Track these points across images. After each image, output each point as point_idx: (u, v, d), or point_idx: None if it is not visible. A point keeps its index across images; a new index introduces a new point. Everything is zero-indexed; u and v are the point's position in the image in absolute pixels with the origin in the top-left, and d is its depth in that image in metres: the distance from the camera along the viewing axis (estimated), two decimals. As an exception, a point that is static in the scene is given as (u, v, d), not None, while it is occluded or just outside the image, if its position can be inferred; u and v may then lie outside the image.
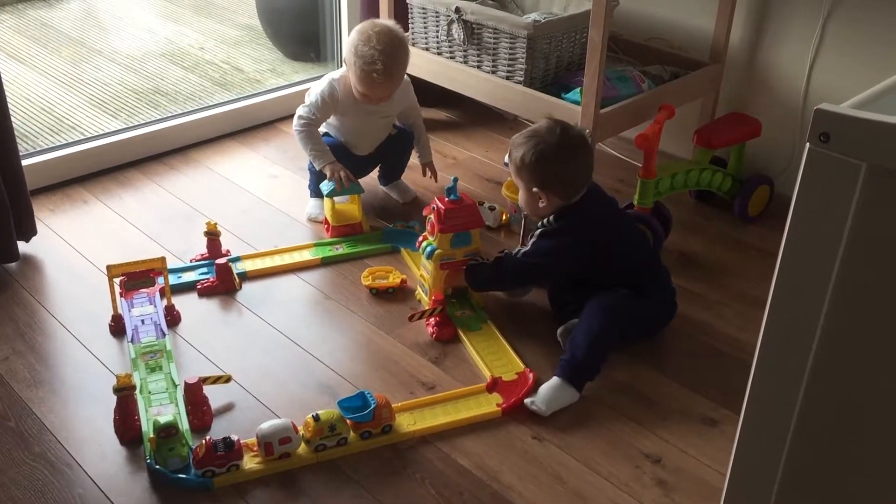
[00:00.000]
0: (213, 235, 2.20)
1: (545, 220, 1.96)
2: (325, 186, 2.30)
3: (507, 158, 2.72)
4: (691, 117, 2.56)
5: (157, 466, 1.59)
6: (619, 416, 1.77)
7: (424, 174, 2.57)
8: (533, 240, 1.96)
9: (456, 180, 2.01)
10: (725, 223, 2.46)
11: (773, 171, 2.51)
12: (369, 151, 2.49)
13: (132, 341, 1.91)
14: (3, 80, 2.06)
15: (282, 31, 3.81)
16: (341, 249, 2.29)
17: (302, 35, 3.60)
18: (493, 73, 2.40)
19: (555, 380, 1.78)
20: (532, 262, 1.94)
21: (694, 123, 2.54)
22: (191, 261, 2.21)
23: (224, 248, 2.24)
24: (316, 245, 2.30)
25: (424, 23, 2.53)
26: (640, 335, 1.96)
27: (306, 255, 2.26)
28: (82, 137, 2.77)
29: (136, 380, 1.79)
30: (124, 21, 4.30)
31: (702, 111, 2.57)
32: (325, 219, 2.37)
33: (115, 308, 1.99)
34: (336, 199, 2.34)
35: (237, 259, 2.23)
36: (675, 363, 1.93)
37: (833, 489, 1.04)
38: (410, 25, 2.57)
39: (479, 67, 2.43)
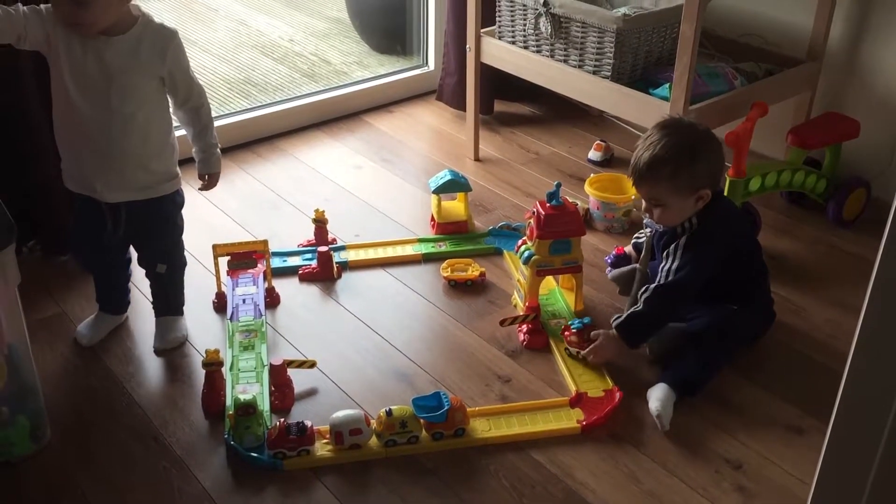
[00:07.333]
0: (320, 223, 2.25)
1: (683, 226, 1.82)
2: (433, 182, 2.29)
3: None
4: (785, 116, 2.48)
5: (233, 443, 1.63)
6: (700, 419, 1.74)
7: (203, 186, 1.89)
8: (679, 252, 1.80)
9: (559, 185, 1.94)
10: (817, 226, 2.37)
11: (870, 173, 2.40)
12: (112, 192, 1.74)
13: (231, 319, 1.98)
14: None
15: (369, 25, 3.86)
16: (444, 247, 2.27)
17: (389, 29, 3.63)
18: (580, 67, 2.37)
19: (671, 393, 1.74)
20: (688, 276, 1.78)
21: (787, 122, 2.46)
22: (298, 246, 2.27)
23: (331, 237, 2.28)
24: (420, 241, 2.30)
25: (512, 16, 2.52)
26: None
27: (409, 251, 2.26)
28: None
29: (229, 357, 1.85)
30: (219, 13, 4.42)
31: (796, 110, 2.49)
32: (431, 215, 2.36)
33: (218, 286, 2.06)
34: (443, 196, 2.33)
35: (342, 248, 2.26)
36: (760, 368, 1.87)
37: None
38: (498, 19, 2.56)
39: (565, 62, 2.41)
